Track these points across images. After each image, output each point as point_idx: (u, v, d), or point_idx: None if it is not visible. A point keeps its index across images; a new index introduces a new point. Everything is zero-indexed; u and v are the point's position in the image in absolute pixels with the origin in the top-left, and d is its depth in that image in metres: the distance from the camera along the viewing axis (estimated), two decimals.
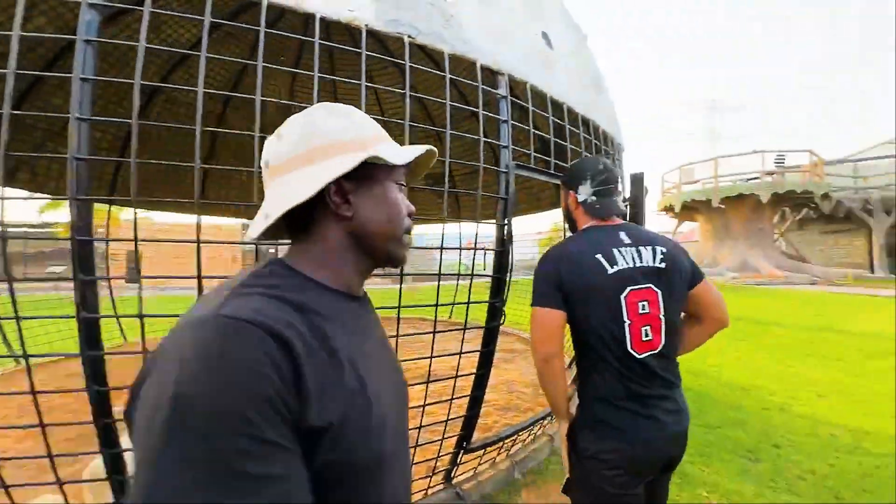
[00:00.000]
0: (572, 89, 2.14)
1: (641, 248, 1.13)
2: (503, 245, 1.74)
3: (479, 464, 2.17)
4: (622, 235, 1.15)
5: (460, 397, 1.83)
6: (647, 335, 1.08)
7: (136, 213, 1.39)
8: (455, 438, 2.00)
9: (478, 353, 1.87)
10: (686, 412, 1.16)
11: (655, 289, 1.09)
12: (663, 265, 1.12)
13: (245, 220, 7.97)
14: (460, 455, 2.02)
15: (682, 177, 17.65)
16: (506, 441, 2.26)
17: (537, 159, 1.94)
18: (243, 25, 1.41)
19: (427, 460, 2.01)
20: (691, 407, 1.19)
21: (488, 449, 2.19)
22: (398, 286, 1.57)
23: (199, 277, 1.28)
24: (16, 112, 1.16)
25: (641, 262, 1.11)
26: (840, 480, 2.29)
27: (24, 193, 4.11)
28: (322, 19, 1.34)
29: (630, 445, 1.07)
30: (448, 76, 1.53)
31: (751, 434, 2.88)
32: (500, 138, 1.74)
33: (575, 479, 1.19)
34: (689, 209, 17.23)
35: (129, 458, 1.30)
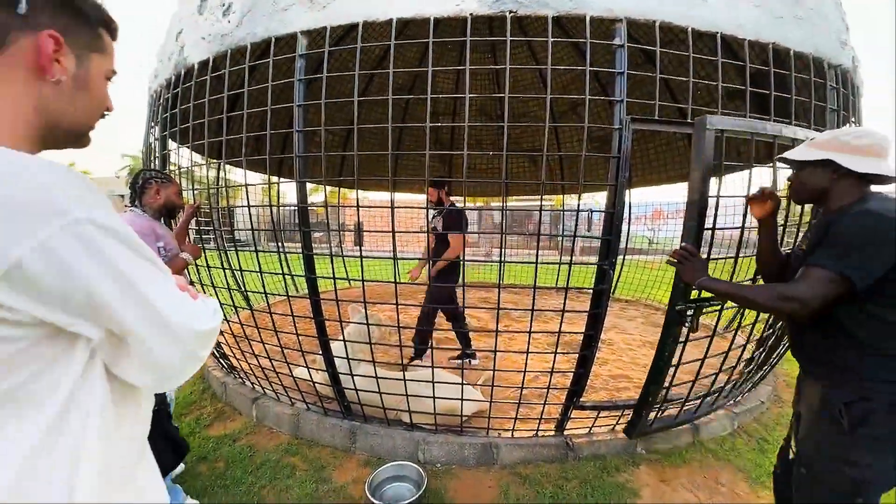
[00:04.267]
0: (734, 9, 1.71)
1: None
2: (613, 206, 1.68)
3: (594, 425, 2.20)
4: None
5: (567, 353, 1.93)
6: None
7: (357, 193, 2.08)
8: (566, 393, 2.11)
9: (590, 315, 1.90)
10: None
11: None
12: None
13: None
14: (570, 409, 2.13)
15: None
16: (624, 411, 2.20)
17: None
18: (416, 41, 1.82)
19: (535, 403, 2.21)
20: None
21: (604, 413, 2.19)
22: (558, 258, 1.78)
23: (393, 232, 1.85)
24: (267, 132, 1.95)
25: None
26: None
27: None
28: (436, 19, 1.62)
29: None
30: (550, 40, 1.56)
31: None
32: (614, 92, 1.64)
33: None
34: None
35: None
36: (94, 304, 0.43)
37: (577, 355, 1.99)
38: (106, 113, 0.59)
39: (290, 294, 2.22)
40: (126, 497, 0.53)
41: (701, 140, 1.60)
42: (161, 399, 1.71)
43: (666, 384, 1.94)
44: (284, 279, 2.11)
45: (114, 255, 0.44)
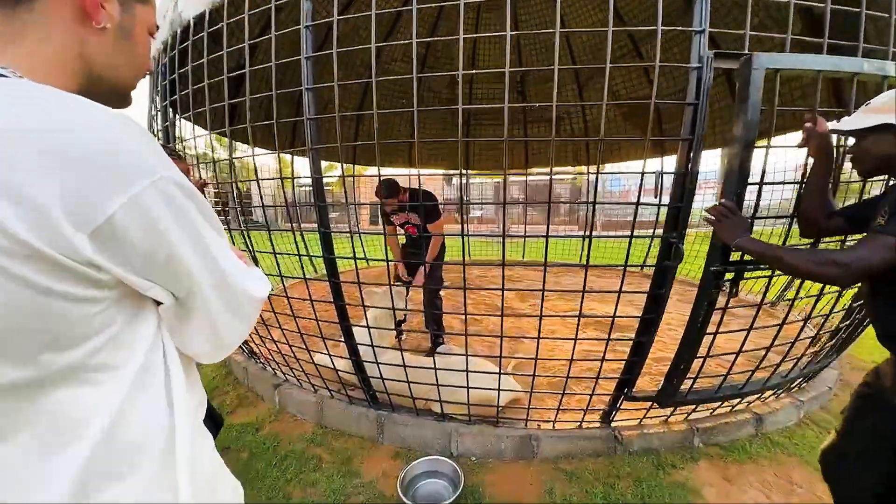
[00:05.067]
0: None
1: None
2: (687, 167, 1.38)
3: (645, 416, 1.99)
4: None
5: (618, 339, 1.69)
6: None
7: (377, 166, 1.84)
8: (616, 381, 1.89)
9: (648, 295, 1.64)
10: None
11: None
12: None
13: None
14: (620, 400, 1.91)
15: None
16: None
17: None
18: None
19: (578, 393, 2.01)
20: None
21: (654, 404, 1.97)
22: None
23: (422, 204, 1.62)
24: (280, 91, 1.70)
25: None
26: None
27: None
28: None
29: None
30: None
31: None
32: (692, 22, 1.31)
33: None
34: None
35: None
36: (173, 263, 0.44)
37: (631, 342, 1.75)
38: (147, 73, 0.56)
39: (307, 276, 2.03)
40: (202, 447, 0.55)
41: (747, 82, 1.32)
42: None
43: (702, 354, 1.70)
44: (301, 260, 1.92)
45: (191, 214, 0.45)
